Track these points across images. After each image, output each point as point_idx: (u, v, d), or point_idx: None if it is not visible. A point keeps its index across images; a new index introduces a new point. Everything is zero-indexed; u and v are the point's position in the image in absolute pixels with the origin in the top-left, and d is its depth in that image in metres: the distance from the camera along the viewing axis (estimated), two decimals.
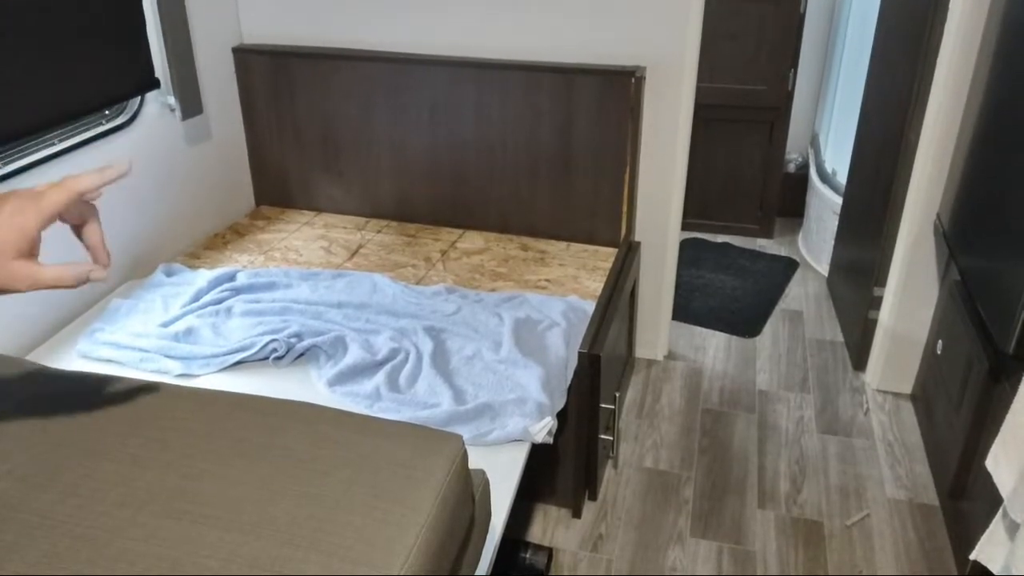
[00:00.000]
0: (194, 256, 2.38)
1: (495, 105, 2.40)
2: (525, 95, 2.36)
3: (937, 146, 2.22)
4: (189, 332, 1.94)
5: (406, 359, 1.87)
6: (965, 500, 1.95)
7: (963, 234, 2.06)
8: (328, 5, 2.47)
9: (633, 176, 2.42)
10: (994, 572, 1.52)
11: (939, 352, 2.27)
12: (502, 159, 2.47)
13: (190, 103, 2.35)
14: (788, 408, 2.53)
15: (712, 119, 3.46)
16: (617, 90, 2.27)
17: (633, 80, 2.24)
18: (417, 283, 2.24)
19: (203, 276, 2.18)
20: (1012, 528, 1.49)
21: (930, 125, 2.23)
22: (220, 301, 2.08)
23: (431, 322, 2.01)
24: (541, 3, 2.31)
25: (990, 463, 1.58)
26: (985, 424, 1.86)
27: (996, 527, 1.54)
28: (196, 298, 2.08)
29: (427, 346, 1.90)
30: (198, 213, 2.50)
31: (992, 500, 1.65)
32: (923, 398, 2.43)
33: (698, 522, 2.09)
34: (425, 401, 1.75)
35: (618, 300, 2.14)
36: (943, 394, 2.20)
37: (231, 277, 2.20)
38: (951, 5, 2.11)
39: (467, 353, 1.91)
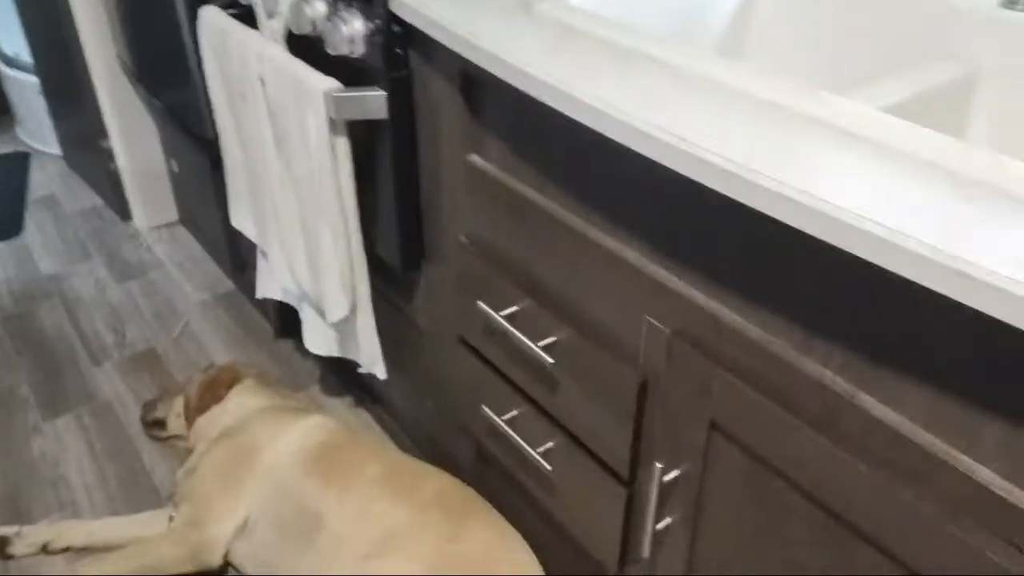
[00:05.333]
0: None
1: None
2: None
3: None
4: None
5: None
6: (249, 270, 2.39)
7: (142, 65, 2.33)
8: None
9: None
10: (271, 297, 1.96)
11: (177, 171, 2.60)
12: None
13: None
14: (82, 278, 2.62)
15: None
16: None
17: None
18: None
19: None
20: (263, 256, 1.92)
21: None
22: None
23: None
24: None
25: (235, 222, 1.96)
26: None
27: (260, 263, 1.96)
28: None
29: None
30: None
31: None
32: (187, 214, 2.77)
33: (46, 408, 2.13)
34: None
35: None
36: (195, 201, 2.56)
37: None
38: None
39: None
